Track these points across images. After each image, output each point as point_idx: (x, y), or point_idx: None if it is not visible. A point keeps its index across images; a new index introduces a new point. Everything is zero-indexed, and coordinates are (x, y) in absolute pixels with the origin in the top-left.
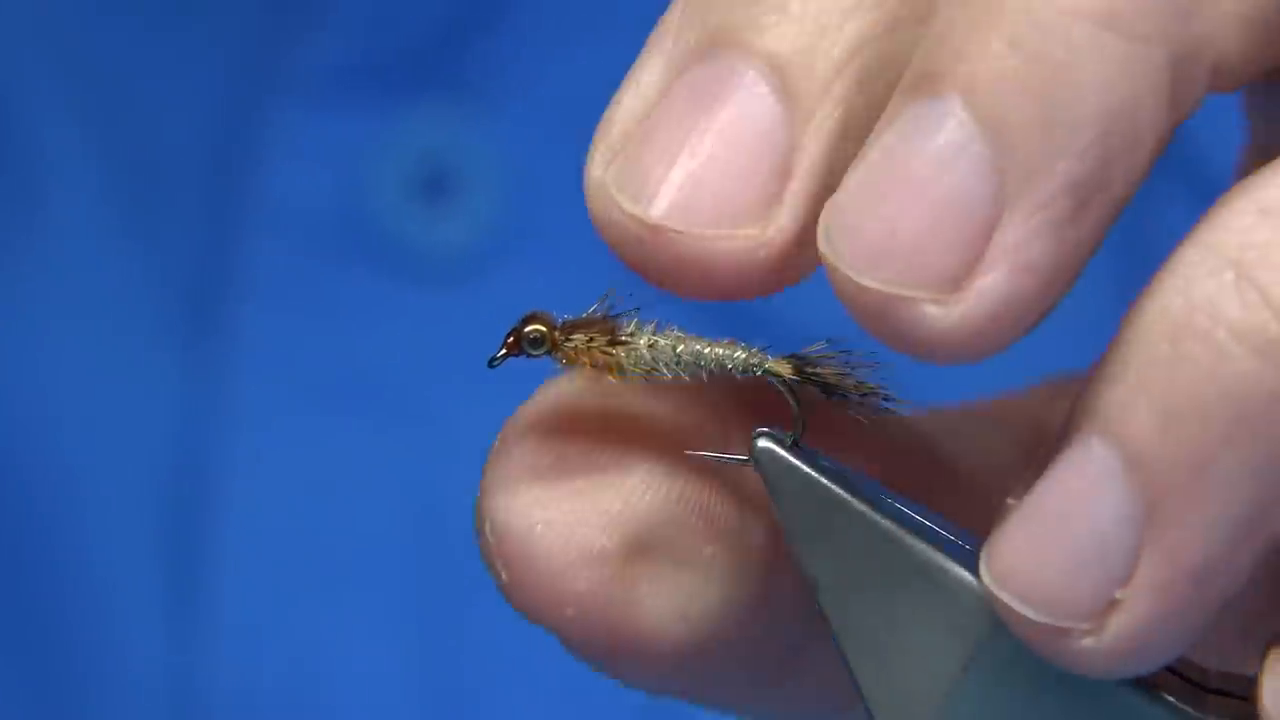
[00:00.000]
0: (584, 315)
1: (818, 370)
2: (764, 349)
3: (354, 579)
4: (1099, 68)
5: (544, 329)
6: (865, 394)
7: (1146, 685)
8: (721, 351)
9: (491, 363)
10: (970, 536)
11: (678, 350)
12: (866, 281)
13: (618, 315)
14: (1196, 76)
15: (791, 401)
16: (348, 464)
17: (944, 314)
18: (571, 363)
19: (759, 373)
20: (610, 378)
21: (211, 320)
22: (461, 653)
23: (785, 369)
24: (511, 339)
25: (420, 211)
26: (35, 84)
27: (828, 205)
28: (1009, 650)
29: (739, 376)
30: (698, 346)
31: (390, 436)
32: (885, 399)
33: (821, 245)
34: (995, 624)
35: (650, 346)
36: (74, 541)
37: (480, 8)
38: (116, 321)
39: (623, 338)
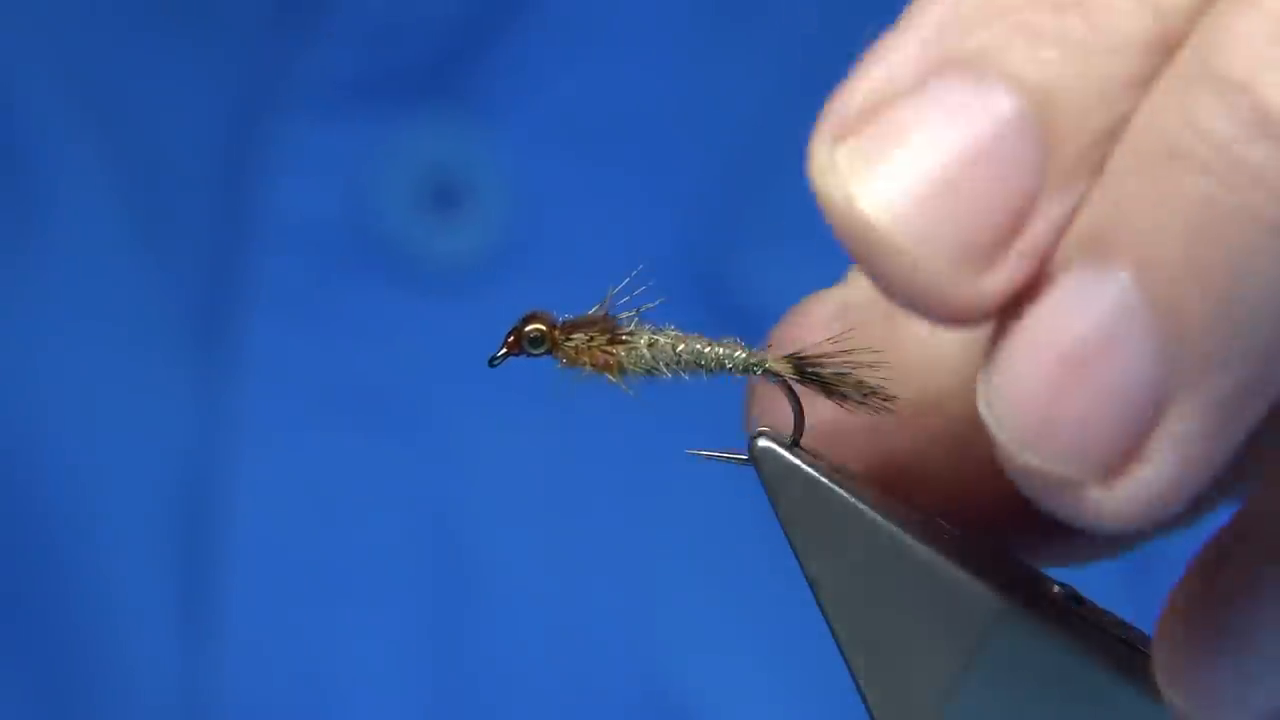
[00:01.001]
0: (584, 315)
1: (817, 369)
2: (764, 348)
3: (363, 589)
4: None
5: (544, 328)
6: (865, 393)
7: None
8: (721, 351)
9: (492, 362)
10: (969, 536)
11: (677, 349)
12: (1028, 458)
13: (617, 315)
14: None
15: (791, 401)
16: (356, 473)
17: (1107, 497)
18: (572, 362)
19: (759, 372)
20: (610, 377)
21: (220, 331)
22: (470, 663)
23: (785, 368)
24: (512, 338)
25: (428, 222)
26: (43, 98)
27: (988, 369)
28: (1010, 650)
29: (738, 376)
30: (697, 346)
31: (398, 446)
32: (885, 398)
33: (982, 409)
34: (996, 623)
35: (650, 346)
36: (84, 551)
37: (487, 19)
38: (126, 333)
39: (622, 337)
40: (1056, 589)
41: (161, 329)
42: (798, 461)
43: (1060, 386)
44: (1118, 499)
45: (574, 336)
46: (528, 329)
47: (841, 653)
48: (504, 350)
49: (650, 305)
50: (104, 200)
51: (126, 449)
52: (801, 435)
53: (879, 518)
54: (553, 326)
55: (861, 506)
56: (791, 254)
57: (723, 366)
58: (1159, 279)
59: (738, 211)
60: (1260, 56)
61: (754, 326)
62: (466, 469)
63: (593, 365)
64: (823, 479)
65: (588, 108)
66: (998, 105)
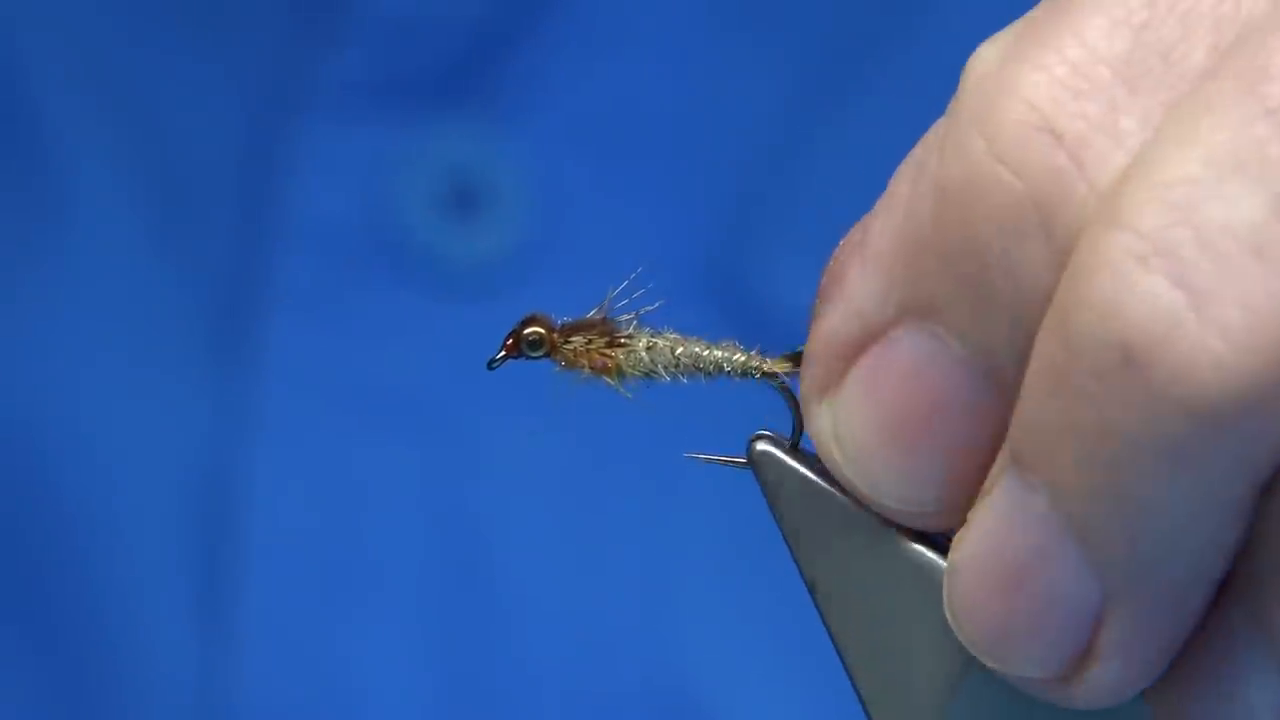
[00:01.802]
0: (583, 318)
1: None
2: (761, 351)
3: (381, 590)
4: (1181, 505)
5: (542, 331)
6: None
7: None
8: (719, 354)
9: (490, 365)
10: None
11: (676, 352)
12: (991, 664)
13: (616, 318)
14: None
15: (790, 404)
16: (375, 476)
17: (1065, 693)
18: (570, 365)
19: (757, 375)
20: (608, 380)
21: (239, 332)
22: (486, 663)
23: (785, 367)
24: (510, 341)
25: (449, 226)
26: (64, 98)
27: (948, 573)
28: None
29: (736, 379)
30: (696, 349)
31: (417, 449)
32: None
33: (947, 612)
34: None
35: (648, 349)
36: (103, 551)
37: (509, 23)
38: (146, 333)
39: (621, 340)
40: None
41: (181, 330)
42: (795, 464)
43: (1005, 601)
44: (1081, 693)
45: (572, 339)
46: (526, 332)
47: (839, 655)
48: (502, 353)
49: (650, 308)
50: (125, 201)
51: (146, 449)
52: (800, 438)
53: (877, 519)
54: (551, 330)
55: (859, 508)
56: (809, 258)
57: (721, 369)
58: (1070, 499)
59: (756, 215)
60: (1123, 278)
61: (772, 330)
62: (484, 471)
63: (591, 368)
64: (820, 481)
65: (607, 111)
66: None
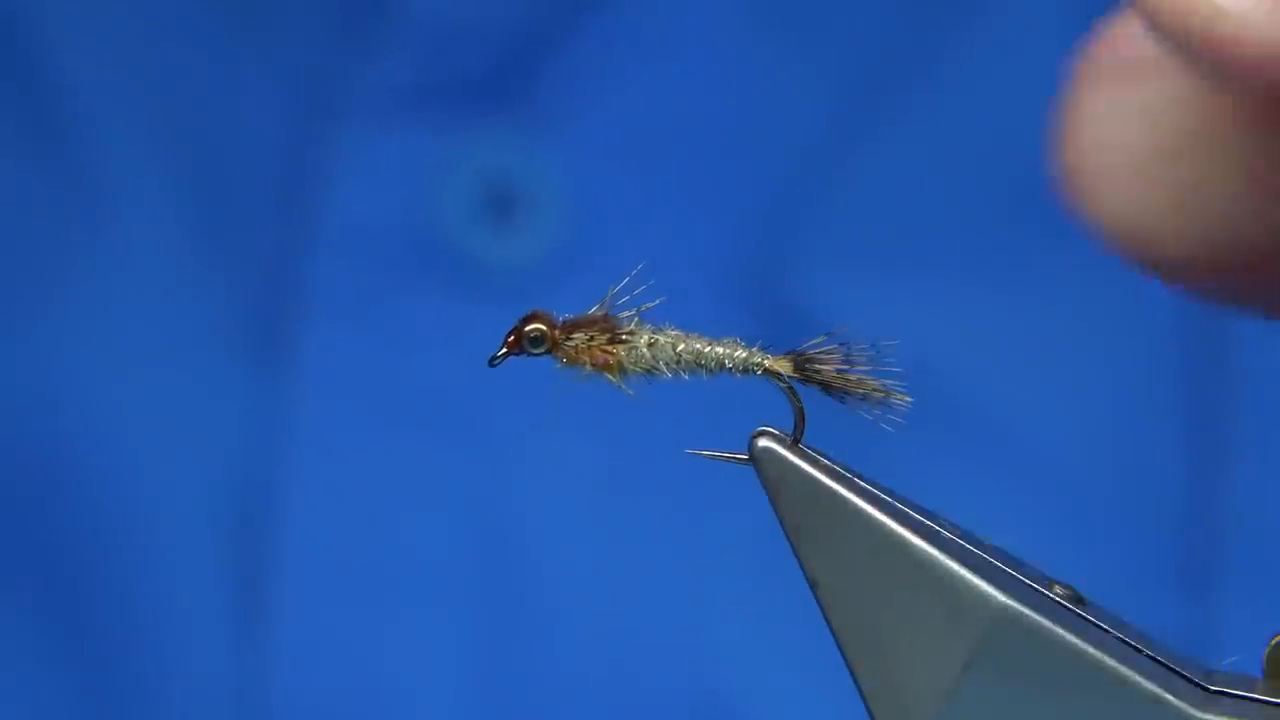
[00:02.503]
0: (584, 314)
1: (817, 368)
2: (763, 347)
3: (416, 593)
4: None
5: (544, 328)
6: (866, 391)
7: (1150, 682)
8: (721, 350)
9: (492, 361)
10: (970, 536)
11: (678, 349)
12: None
13: (617, 314)
14: None
15: (792, 400)
16: (411, 479)
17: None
18: (572, 362)
19: (759, 372)
20: (610, 377)
21: (279, 336)
22: (520, 664)
23: (785, 367)
24: (512, 338)
25: (486, 230)
26: (107, 103)
27: None
28: (1011, 648)
29: (739, 375)
30: (697, 345)
31: (453, 452)
32: (886, 395)
33: None
34: (996, 622)
35: (650, 345)
36: (140, 552)
37: (547, 28)
38: (185, 338)
39: (622, 337)
40: (1059, 589)
41: (220, 333)
42: (798, 461)
43: None
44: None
45: (574, 336)
46: (528, 329)
47: (841, 652)
48: (504, 350)
49: (651, 304)
50: (166, 205)
51: (184, 451)
52: (802, 434)
53: (880, 517)
54: (553, 326)
55: (862, 505)
56: (845, 265)
57: (723, 366)
58: None
59: (792, 222)
60: None
61: (805, 334)
62: (519, 474)
63: (593, 365)
64: (823, 478)
65: (645, 117)
66: None
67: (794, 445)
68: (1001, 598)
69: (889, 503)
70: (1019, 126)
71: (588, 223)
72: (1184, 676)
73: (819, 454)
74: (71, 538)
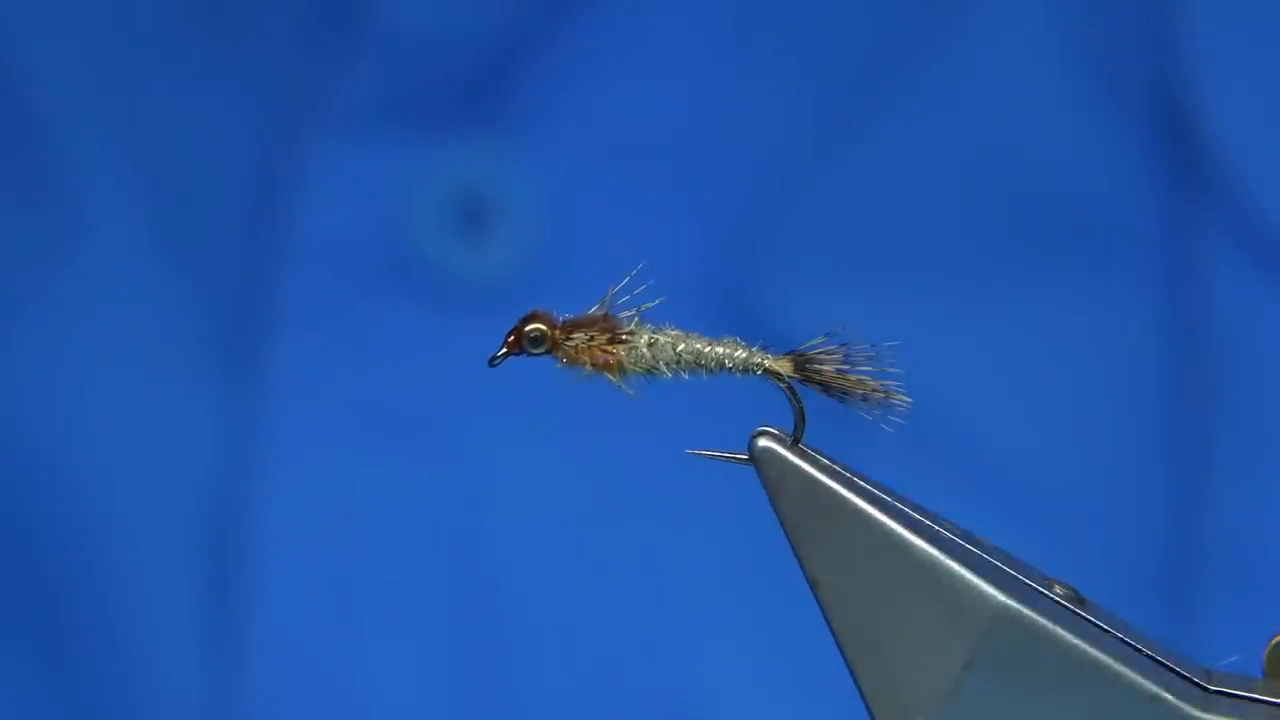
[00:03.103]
0: (584, 314)
1: (817, 369)
2: (763, 347)
3: (391, 607)
4: None
5: (544, 328)
6: (866, 392)
7: (1150, 682)
8: (721, 350)
9: (492, 362)
10: (970, 536)
11: (678, 349)
12: None
13: (617, 314)
14: None
15: (792, 400)
16: (385, 491)
17: None
18: (572, 361)
19: (758, 372)
20: (610, 377)
21: (251, 349)
22: (495, 679)
23: (785, 367)
24: (512, 338)
25: (460, 243)
26: (77, 114)
27: None
28: (1011, 648)
29: (739, 375)
30: (697, 345)
31: (426, 465)
32: (886, 396)
33: None
34: (996, 622)
35: (650, 345)
36: (113, 566)
37: (520, 41)
38: (156, 349)
39: (622, 336)
40: (1059, 589)
41: (191, 345)
42: (798, 461)
43: None
44: None
45: (574, 336)
46: (528, 329)
47: (841, 651)
48: (504, 350)
49: (650, 305)
50: (136, 217)
51: (156, 464)
52: (802, 434)
53: (879, 517)
54: (553, 326)
55: (862, 505)
56: (822, 277)
57: (723, 366)
58: None
59: (768, 235)
60: None
61: (782, 345)
62: (493, 486)
63: (593, 365)
64: (823, 478)
65: (619, 130)
66: None
67: (794, 445)
68: (1001, 597)
69: (889, 502)
70: (1000, 138)
71: (561, 235)
72: (1184, 676)
73: (818, 453)
74: (44, 550)
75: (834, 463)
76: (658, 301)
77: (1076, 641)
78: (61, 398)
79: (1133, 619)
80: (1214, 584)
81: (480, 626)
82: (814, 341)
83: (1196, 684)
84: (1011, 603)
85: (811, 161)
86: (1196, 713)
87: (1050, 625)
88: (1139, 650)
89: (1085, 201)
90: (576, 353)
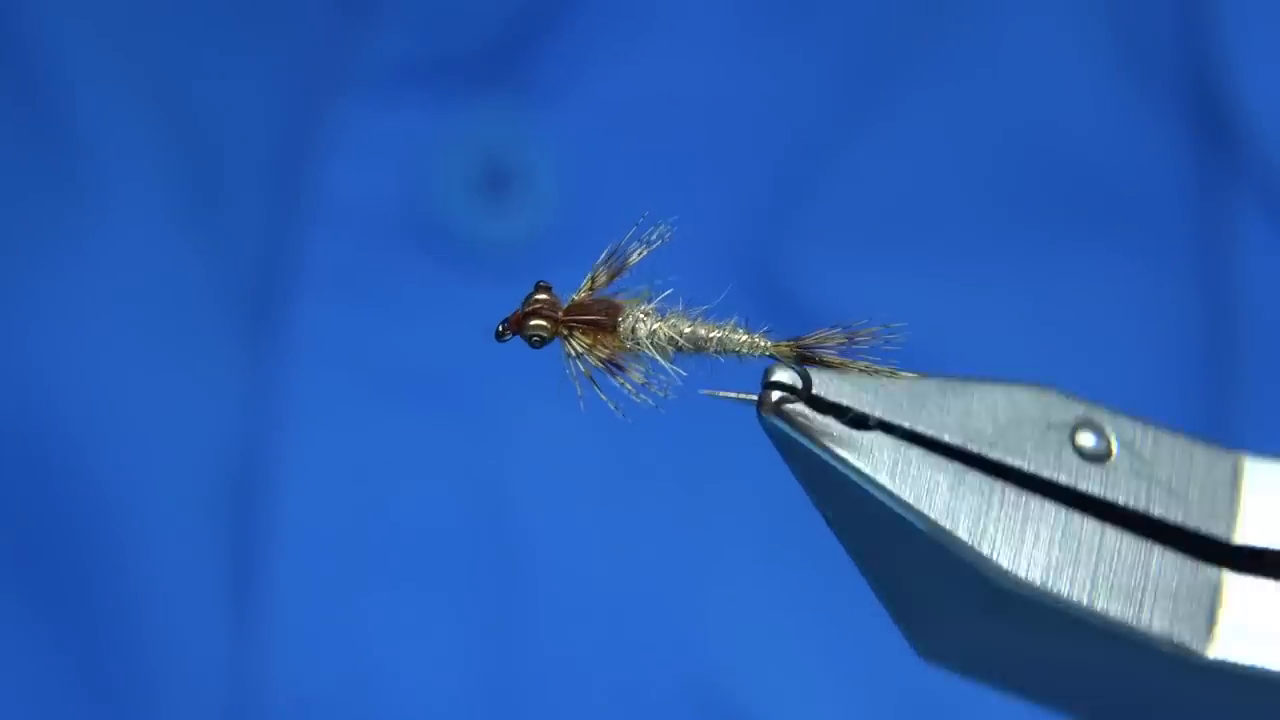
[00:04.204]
0: (588, 297)
1: (820, 354)
2: (766, 332)
3: (413, 574)
4: None
5: (547, 326)
6: (870, 375)
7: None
8: (723, 335)
9: (498, 337)
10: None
11: (683, 332)
12: None
13: (620, 278)
14: None
15: (798, 371)
16: (407, 456)
17: None
18: (576, 355)
19: (761, 354)
20: (614, 362)
21: (273, 314)
22: (521, 649)
23: (786, 353)
24: (515, 319)
25: (482, 207)
26: (98, 79)
27: None
28: (1019, 604)
29: (742, 359)
30: (701, 330)
31: (450, 431)
32: (892, 375)
33: None
34: (1001, 587)
35: (653, 331)
36: (134, 535)
37: (545, 6)
38: (179, 316)
39: (625, 321)
40: (1082, 439)
41: (214, 311)
42: (802, 421)
43: None
44: None
45: (576, 336)
46: (530, 325)
47: (857, 565)
48: (507, 330)
49: (661, 295)
50: (159, 182)
51: (178, 430)
52: (810, 391)
53: (880, 481)
54: (555, 321)
55: (863, 470)
56: (843, 244)
57: (726, 350)
58: None
59: (791, 201)
60: None
61: (803, 317)
62: (516, 452)
63: (597, 350)
64: (822, 444)
65: (642, 95)
66: None
67: (804, 399)
68: (1003, 565)
69: (900, 449)
70: (1028, 110)
71: (584, 200)
72: (1201, 539)
73: (831, 386)
74: (64, 519)
75: (849, 375)
76: (666, 294)
77: (1081, 603)
78: (83, 363)
79: None
80: None
81: (504, 589)
82: (819, 332)
83: (1219, 542)
84: (1018, 575)
85: (836, 133)
86: (1208, 655)
87: (1053, 590)
88: (1154, 521)
89: (1114, 174)
90: (578, 344)
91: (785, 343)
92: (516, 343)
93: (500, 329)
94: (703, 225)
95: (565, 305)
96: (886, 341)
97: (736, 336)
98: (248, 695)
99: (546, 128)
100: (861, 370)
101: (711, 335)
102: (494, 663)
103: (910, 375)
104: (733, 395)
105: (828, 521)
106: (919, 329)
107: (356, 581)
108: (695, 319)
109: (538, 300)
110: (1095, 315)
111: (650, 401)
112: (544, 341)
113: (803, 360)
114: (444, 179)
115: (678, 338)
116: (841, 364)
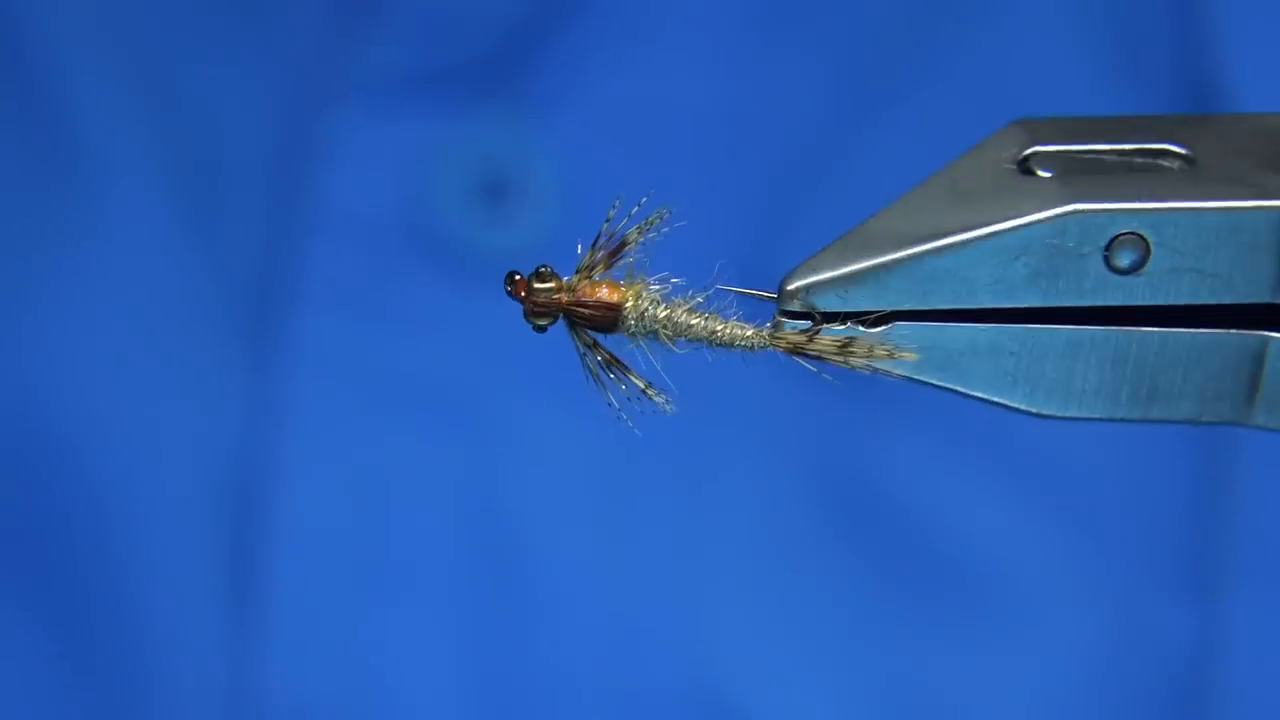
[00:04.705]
0: (589, 295)
1: (826, 340)
2: (762, 325)
3: (412, 583)
4: None
5: (548, 321)
6: (871, 363)
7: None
8: (722, 327)
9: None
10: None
11: (691, 324)
12: None
13: (622, 256)
14: None
15: (805, 365)
16: (406, 468)
17: None
18: (580, 343)
19: (759, 349)
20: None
21: (271, 324)
22: (519, 658)
23: (784, 347)
24: (519, 286)
25: (481, 217)
26: (98, 87)
27: None
28: None
29: (736, 349)
30: (705, 321)
31: (448, 441)
32: (890, 355)
33: None
34: None
35: (652, 321)
36: (134, 543)
37: (543, 16)
38: (178, 325)
39: (628, 318)
40: (1125, 260)
41: (213, 320)
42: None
43: None
44: None
45: (579, 332)
46: (534, 322)
47: None
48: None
49: (667, 286)
50: (158, 191)
51: (177, 439)
52: (820, 328)
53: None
54: (555, 313)
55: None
56: None
57: (724, 342)
58: None
59: (790, 209)
60: None
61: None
62: (515, 463)
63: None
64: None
65: (641, 105)
66: None
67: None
68: (1053, 411)
69: (924, 327)
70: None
71: (582, 211)
72: (1246, 309)
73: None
74: (62, 527)
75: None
76: (669, 286)
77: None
78: (83, 372)
79: (1154, 605)
80: (1241, 575)
81: (503, 602)
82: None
83: (1261, 306)
84: (1070, 413)
85: (835, 141)
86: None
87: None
88: (1202, 308)
89: None
90: (581, 332)
91: (784, 335)
92: (519, 353)
93: (513, 276)
94: (702, 233)
95: (569, 281)
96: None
97: (736, 329)
98: (246, 705)
99: (546, 137)
100: (865, 359)
101: (717, 327)
102: (492, 671)
103: (910, 354)
104: (752, 293)
105: None
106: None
107: (355, 590)
108: (699, 310)
109: (539, 291)
110: None
111: (653, 396)
112: (545, 329)
113: (800, 352)
114: (443, 188)
115: (691, 323)
116: (839, 356)
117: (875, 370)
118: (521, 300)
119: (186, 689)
